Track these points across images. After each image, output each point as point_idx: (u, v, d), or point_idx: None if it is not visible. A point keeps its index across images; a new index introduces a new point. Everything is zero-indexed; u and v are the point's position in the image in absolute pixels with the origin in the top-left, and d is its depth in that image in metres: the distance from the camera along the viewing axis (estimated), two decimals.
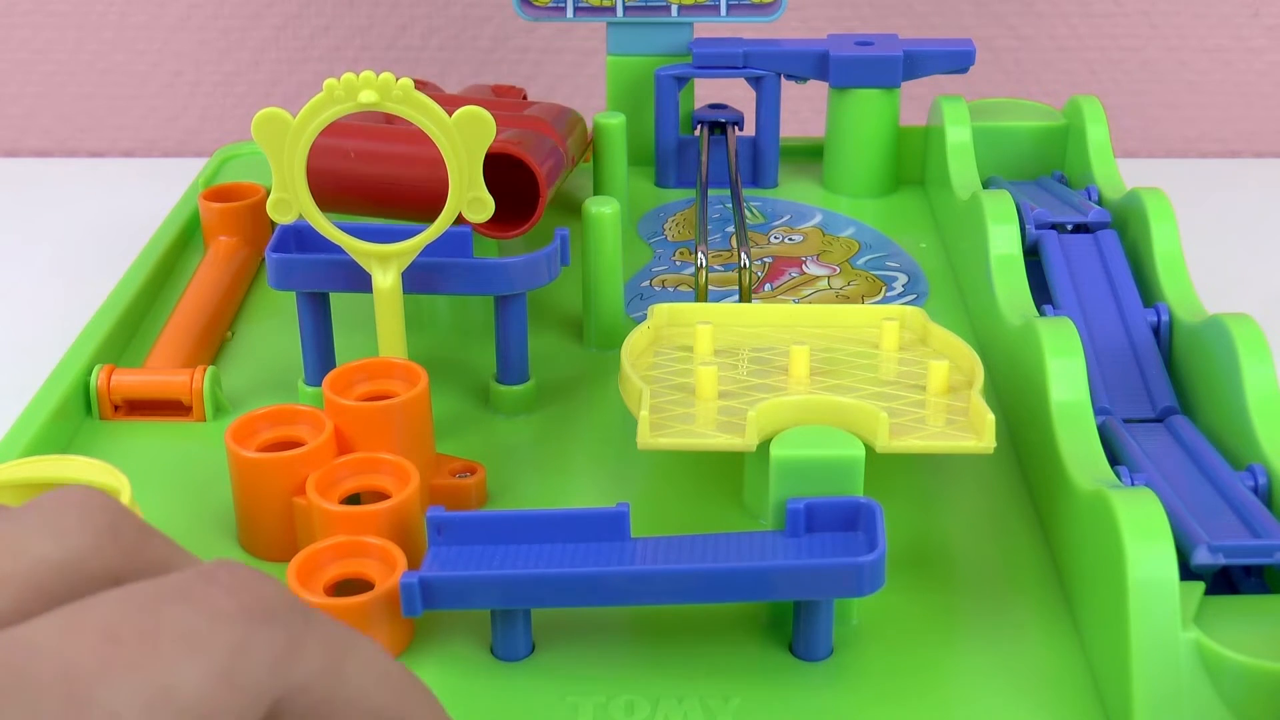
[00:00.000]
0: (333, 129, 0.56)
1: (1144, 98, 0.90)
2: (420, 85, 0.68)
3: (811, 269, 0.65)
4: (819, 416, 0.44)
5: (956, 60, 0.70)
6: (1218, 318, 0.49)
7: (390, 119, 0.61)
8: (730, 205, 0.70)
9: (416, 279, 0.51)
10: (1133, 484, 0.44)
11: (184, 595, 0.22)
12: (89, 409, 0.54)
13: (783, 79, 0.72)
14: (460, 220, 0.50)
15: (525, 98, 0.71)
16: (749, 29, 0.75)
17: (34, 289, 0.71)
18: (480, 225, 0.56)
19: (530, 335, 0.54)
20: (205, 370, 0.54)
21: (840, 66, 0.70)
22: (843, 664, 0.42)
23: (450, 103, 0.55)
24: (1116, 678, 0.39)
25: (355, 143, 0.57)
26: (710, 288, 0.61)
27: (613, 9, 0.71)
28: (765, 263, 0.65)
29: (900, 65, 0.70)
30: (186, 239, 0.68)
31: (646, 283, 0.64)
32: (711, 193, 0.70)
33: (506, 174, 0.56)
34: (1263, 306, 0.53)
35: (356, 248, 0.50)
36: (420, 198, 0.50)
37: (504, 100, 0.66)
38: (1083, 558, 0.43)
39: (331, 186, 0.49)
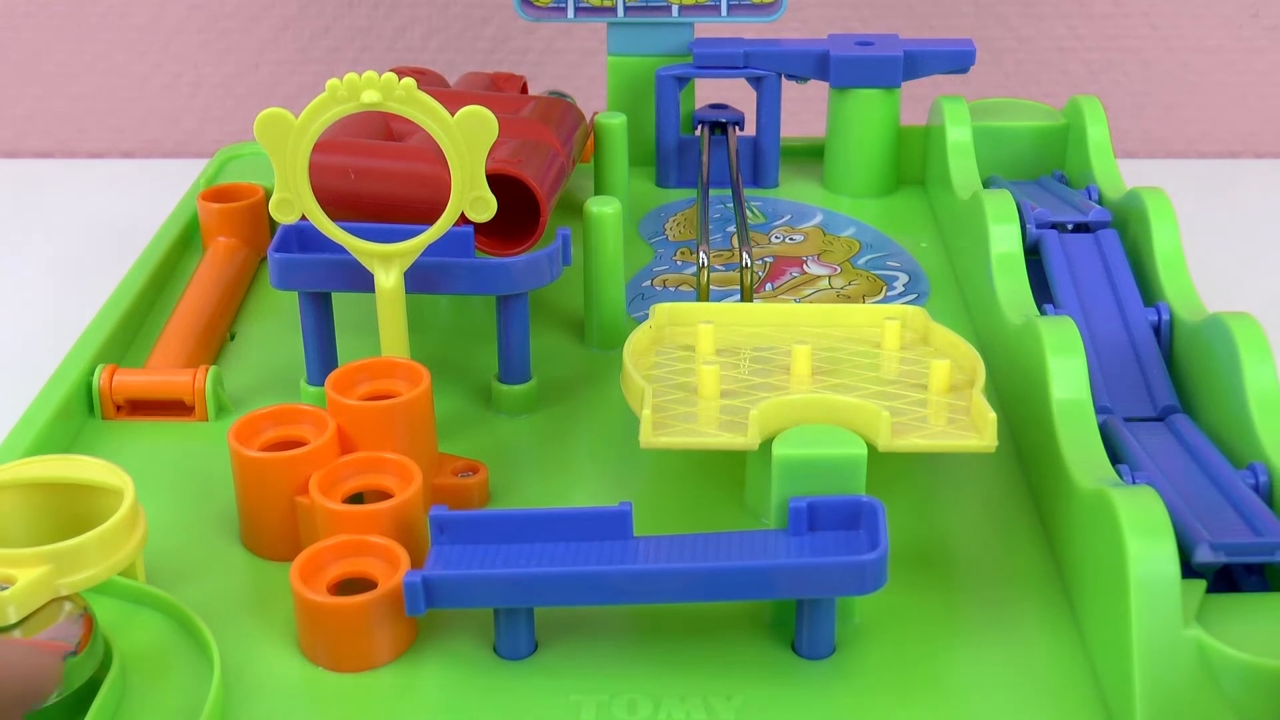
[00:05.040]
0: (331, 147, 0.57)
1: (1144, 98, 0.90)
2: (420, 74, 0.68)
3: (812, 268, 0.65)
4: (821, 415, 0.45)
5: (957, 60, 0.71)
6: (1218, 316, 0.49)
7: (390, 132, 0.61)
8: (731, 205, 0.70)
9: (419, 279, 0.51)
10: (1134, 482, 0.45)
11: None
12: (91, 409, 0.54)
13: (783, 79, 0.72)
14: (462, 220, 0.50)
15: (525, 88, 0.71)
16: (749, 29, 0.75)
17: (35, 289, 0.71)
18: (482, 243, 0.56)
19: (532, 335, 0.55)
20: (208, 370, 0.54)
21: (840, 66, 0.70)
22: (845, 662, 0.42)
23: (450, 97, 0.55)
24: (1118, 675, 0.39)
25: (355, 160, 0.57)
26: (712, 287, 0.61)
27: (613, 9, 0.71)
28: (766, 262, 0.65)
29: (900, 65, 0.70)
30: (188, 239, 0.68)
31: (648, 282, 0.64)
32: (712, 193, 0.71)
33: (507, 187, 0.56)
34: (1263, 306, 0.53)
35: (359, 247, 0.50)
36: (423, 216, 0.50)
37: (504, 96, 0.66)
38: (1084, 556, 0.43)
39: (331, 207, 0.49)
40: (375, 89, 0.46)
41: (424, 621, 0.42)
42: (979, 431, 0.45)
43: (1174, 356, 0.53)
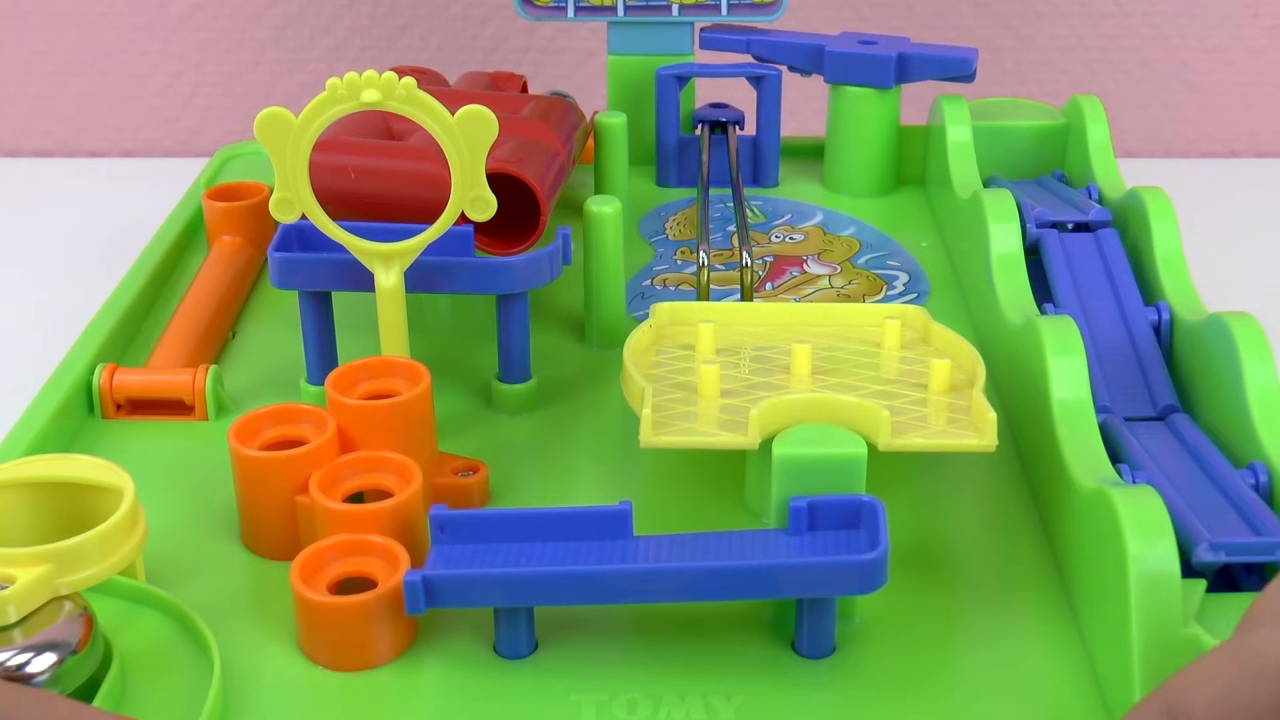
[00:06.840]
0: (331, 147, 0.57)
1: (1144, 97, 0.90)
2: (420, 74, 0.68)
3: (812, 268, 0.65)
4: (821, 415, 0.45)
5: (955, 68, 0.70)
6: (1218, 316, 0.49)
7: (390, 131, 0.61)
8: (731, 204, 0.70)
9: (419, 278, 0.51)
10: (1134, 482, 0.45)
11: None
12: (91, 408, 0.54)
13: (786, 71, 0.72)
14: (462, 219, 0.50)
15: (525, 87, 0.71)
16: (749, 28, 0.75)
17: (36, 289, 0.71)
18: (482, 243, 0.56)
19: (532, 334, 0.55)
20: (208, 369, 0.54)
21: (835, 62, 0.70)
22: (845, 662, 0.42)
23: (450, 97, 0.55)
24: (1118, 675, 0.39)
25: (355, 160, 0.57)
26: (712, 287, 0.61)
27: (614, 8, 0.71)
28: (766, 262, 0.65)
29: (893, 66, 0.70)
30: (189, 239, 0.68)
31: (648, 282, 0.64)
32: (713, 192, 0.70)
33: (507, 187, 0.56)
34: (1263, 305, 0.53)
35: (359, 247, 0.50)
36: (423, 215, 0.51)
37: (504, 95, 0.66)
38: (1084, 555, 0.43)
39: (332, 206, 0.49)
40: (375, 88, 0.46)
41: (424, 621, 0.43)
42: (979, 431, 0.45)
43: (1174, 356, 0.53)
